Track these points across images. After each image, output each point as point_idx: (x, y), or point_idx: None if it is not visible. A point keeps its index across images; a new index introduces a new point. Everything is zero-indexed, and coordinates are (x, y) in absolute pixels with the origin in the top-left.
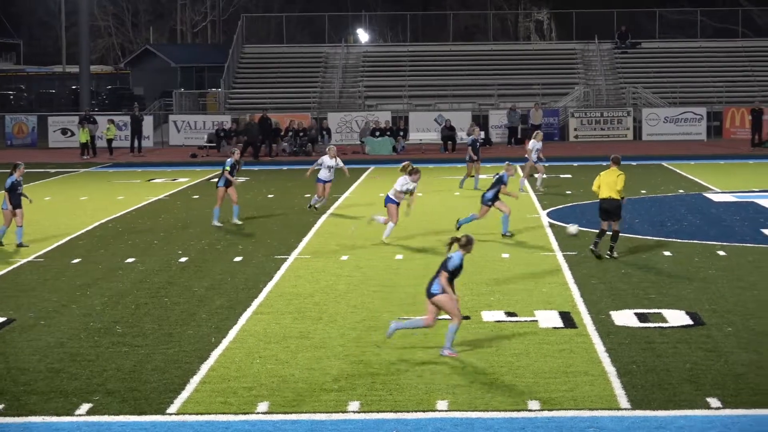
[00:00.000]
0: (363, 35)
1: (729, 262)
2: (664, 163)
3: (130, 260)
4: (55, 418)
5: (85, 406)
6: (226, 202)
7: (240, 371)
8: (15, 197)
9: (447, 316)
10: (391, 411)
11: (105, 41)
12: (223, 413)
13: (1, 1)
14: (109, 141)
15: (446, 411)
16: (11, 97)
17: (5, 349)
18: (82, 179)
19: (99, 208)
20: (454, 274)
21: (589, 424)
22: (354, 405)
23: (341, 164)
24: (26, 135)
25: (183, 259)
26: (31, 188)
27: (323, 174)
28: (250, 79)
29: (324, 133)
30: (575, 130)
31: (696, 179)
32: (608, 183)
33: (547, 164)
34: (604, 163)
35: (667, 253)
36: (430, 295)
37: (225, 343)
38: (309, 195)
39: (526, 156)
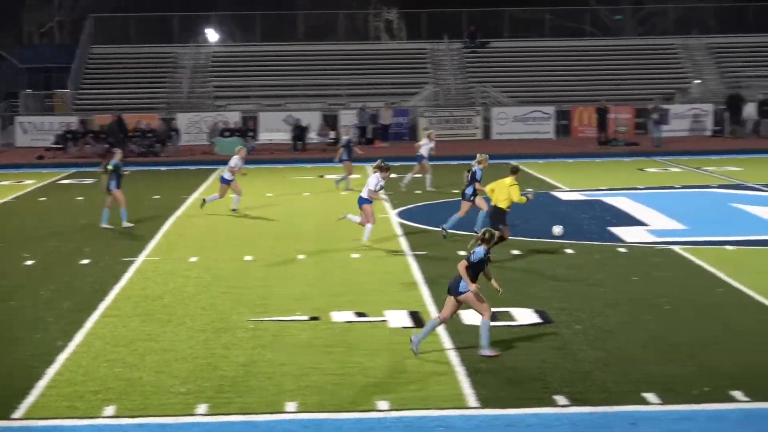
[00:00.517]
0: (212, 35)
1: (577, 261)
2: (513, 162)
3: None
4: None
5: None
6: (113, 205)
7: (87, 375)
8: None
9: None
10: (239, 413)
11: None
12: (70, 417)
13: None
14: None
15: (295, 412)
16: None
17: None
18: None
19: None
20: (477, 265)
21: (438, 423)
22: (202, 408)
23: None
24: None
25: (30, 262)
26: None
27: (228, 174)
28: (98, 79)
29: (172, 133)
30: (425, 129)
31: (545, 178)
32: (499, 190)
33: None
34: (453, 163)
35: (516, 252)
36: (457, 292)
37: (72, 346)
38: (158, 197)
39: (419, 154)
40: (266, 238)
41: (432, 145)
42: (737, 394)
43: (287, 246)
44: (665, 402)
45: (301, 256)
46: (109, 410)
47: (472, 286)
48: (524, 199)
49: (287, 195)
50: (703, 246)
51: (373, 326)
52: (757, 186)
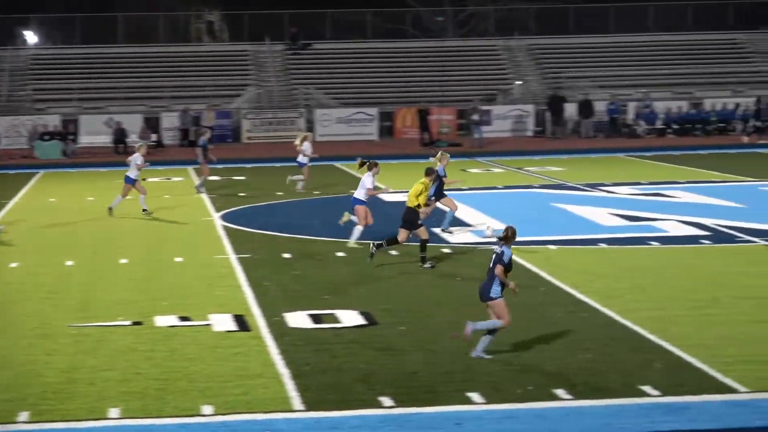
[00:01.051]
0: (31, 37)
1: (401, 261)
2: (337, 164)
3: None
4: None
5: None
6: None
7: None
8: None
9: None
10: (61, 420)
11: None
12: None
13: None
14: None
15: (118, 419)
16: None
17: None
18: None
19: None
20: (508, 266)
21: (264, 426)
22: (24, 415)
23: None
24: None
25: None
26: None
27: (133, 173)
28: None
29: None
30: (248, 131)
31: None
32: (410, 192)
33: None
34: (278, 165)
35: (340, 254)
36: (488, 298)
37: None
38: None
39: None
40: (88, 242)
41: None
42: (560, 392)
43: (110, 250)
44: (490, 401)
45: (123, 261)
46: None
47: (512, 284)
48: (425, 204)
49: (109, 199)
50: (525, 246)
51: (197, 330)
52: (578, 186)
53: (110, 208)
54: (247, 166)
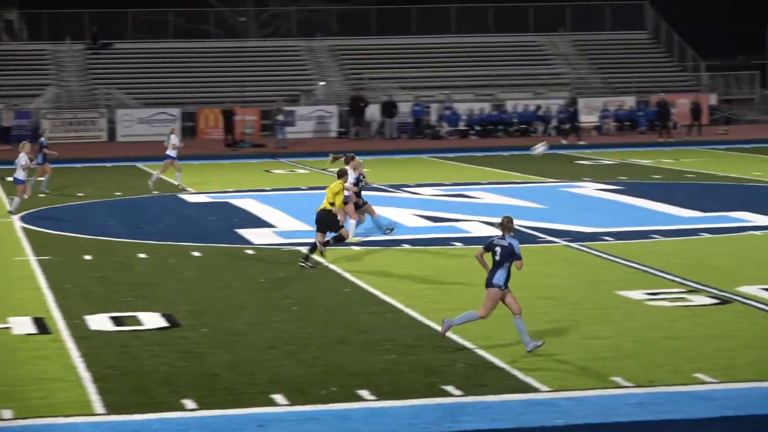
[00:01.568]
0: None
1: (204, 263)
2: (139, 164)
3: None
4: None
5: None
6: None
7: None
8: None
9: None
10: None
11: None
12: None
13: None
14: None
15: None
16: None
17: None
18: None
19: None
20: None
21: (65, 430)
22: None
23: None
24: None
25: None
26: None
27: (21, 174)
28: None
29: None
30: (49, 132)
31: (170, 180)
32: (326, 194)
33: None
34: (78, 165)
35: (142, 256)
36: (490, 285)
37: None
38: None
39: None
40: None
41: (176, 141)
42: (363, 392)
43: None
44: (293, 403)
45: None
46: None
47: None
48: (343, 206)
49: None
50: (327, 247)
51: None
52: (381, 186)
53: (10, 212)
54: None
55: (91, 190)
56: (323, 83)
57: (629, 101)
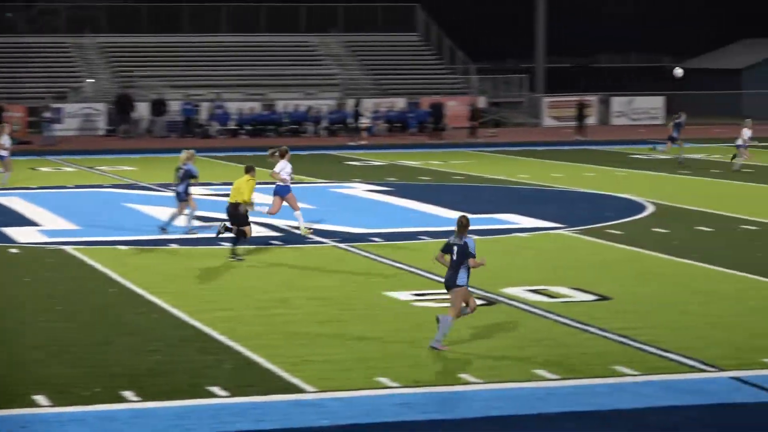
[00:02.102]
0: None
1: None
2: None
3: None
4: None
5: None
6: None
7: None
8: None
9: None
10: None
11: None
12: None
13: None
14: None
15: None
16: None
17: None
18: None
19: None
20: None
21: None
22: None
23: None
24: None
25: None
26: None
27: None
28: None
29: None
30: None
31: None
32: (236, 189)
33: None
34: None
35: None
36: (455, 285)
37: None
38: None
39: None
40: None
41: None
42: (128, 393)
43: None
44: (56, 404)
45: None
46: None
47: (483, 260)
48: (251, 201)
49: None
50: (95, 246)
51: None
52: (150, 186)
53: None
54: None
55: None
56: (91, 80)
57: (400, 103)
